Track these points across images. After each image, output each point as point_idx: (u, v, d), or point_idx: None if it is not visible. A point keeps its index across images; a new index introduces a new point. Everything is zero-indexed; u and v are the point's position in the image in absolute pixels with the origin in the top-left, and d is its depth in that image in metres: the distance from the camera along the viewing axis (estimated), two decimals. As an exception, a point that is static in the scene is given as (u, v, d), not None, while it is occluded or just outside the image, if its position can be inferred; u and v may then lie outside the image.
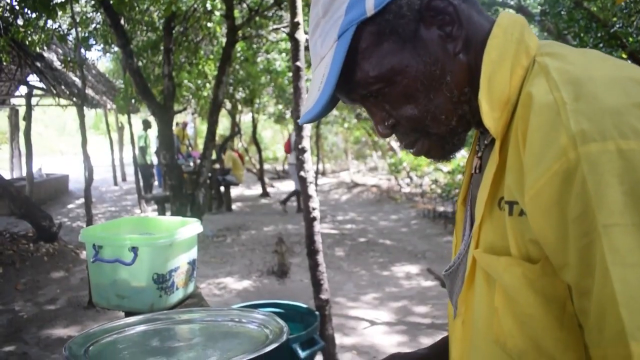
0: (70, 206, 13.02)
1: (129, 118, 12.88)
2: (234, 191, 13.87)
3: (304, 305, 3.55)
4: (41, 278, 6.92)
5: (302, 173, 3.23)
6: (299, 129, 3.23)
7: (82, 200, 11.53)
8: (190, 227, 2.15)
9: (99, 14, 9.07)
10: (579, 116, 0.62)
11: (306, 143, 3.24)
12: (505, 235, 0.74)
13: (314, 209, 3.26)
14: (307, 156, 3.23)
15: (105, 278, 2.00)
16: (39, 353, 4.75)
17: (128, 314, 2.00)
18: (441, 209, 10.94)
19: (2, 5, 6.97)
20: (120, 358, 1.62)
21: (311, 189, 3.24)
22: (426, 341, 4.77)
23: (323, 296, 3.46)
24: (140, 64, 9.17)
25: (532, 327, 0.71)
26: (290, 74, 12.17)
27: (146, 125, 13.49)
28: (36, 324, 5.44)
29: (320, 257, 3.40)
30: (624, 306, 0.56)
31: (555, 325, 0.68)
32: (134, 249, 1.92)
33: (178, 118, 17.99)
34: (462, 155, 12.17)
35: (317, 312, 3.43)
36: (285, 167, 19.81)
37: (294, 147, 11.27)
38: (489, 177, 0.77)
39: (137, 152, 12.80)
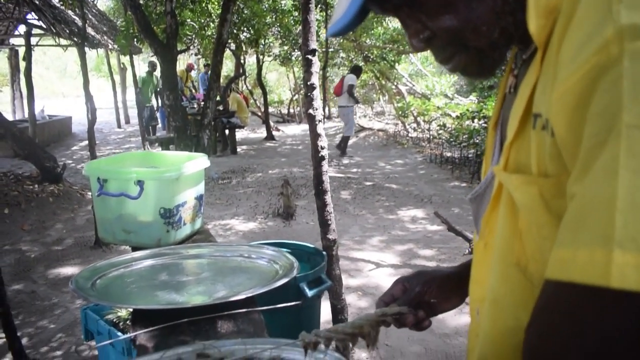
0: (73, 148, 12.98)
1: (131, 59, 12.62)
2: (239, 134, 13.77)
3: (311, 246, 3.52)
4: (47, 219, 6.94)
5: (310, 111, 3.13)
6: (307, 64, 3.11)
7: (85, 142, 11.49)
8: (197, 162, 2.08)
9: (97, -53, 8.72)
10: (632, 10, 0.53)
11: (315, 79, 3.12)
12: (530, 154, 0.67)
13: (322, 147, 3.18)
14: (316, 93, 3.12)
15: (111, 212, 1.95)
16: (47, 291, 4.80)
17: (135, 249, 1.96)
18: (448, 154, 10.85)
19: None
20: (128, 292, 1.59)
21: (320, 128, 3.15)
22: (431, 283, 4.78)
23: (330, 236, 3.42)
24: (141, 1, 8.89)
25: (549, 251, 0.66)
26: (297, 14, 11.80)
27: (152, 66, 13.27)
28: (43, 264, 5.48)
29: (328, 198, 3.34)
30: (622, 213, 0.49)
31: None
32: (140, 183, 1.86)
33: (182, 61, 17.68)
34: (470, 101, 11.99)
35: (324, 252, 3.41)
36: (291, 110, 19.64)
37: (345, 90, 11.17)
38: (527, 90, 0.70)
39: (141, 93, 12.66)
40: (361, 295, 4.65)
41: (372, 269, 5.26)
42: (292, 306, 2.84)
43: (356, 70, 11.84)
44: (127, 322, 3.33)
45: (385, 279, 4.99)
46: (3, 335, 3.48)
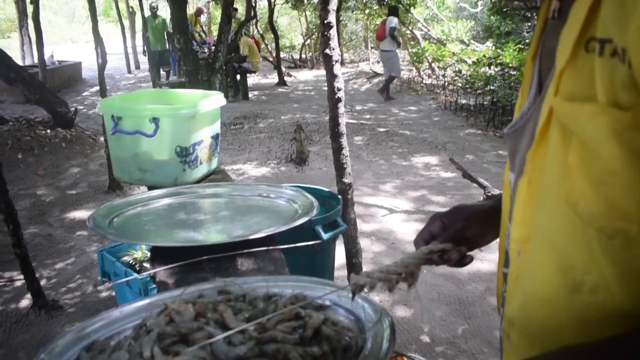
0: (84, 94, 12.92)
1: (140, 3, 12.37)
2: (250, 80, 13.61)
3: (326, 189, 3.50)
4: (60, 163, 6.96)
5: (327, 51, 3.03)
6: (323, 2, 2.99)
7: (96, 88, 11.42)
8: (213, 100, 2.02)
9: None
10: None
11: (332, 18, 3.01)
12: (591, 81, 0.62)
13: (339, 89, 3.10)
14: (333, 32, 3.01)
15: (126, 151, 1.92)
16: (63, 234, 4.85)
17: (151, 189, 1.93)
18: (463, 101, 10.66)
19: None
20: (146, 230, 1.57)
21: (336, 68, 3.06)
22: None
23: (346, 180, 3.39)
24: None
25: (612, 186, 0.62)
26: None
27: (151, 10, 13.02)
28: (59, 207, 5.53)
29: (344, 141, 3.29)
30: None
31: (638, 184, 0.59)
32: (155, 120, 1.81)
33: (191, 5, 17.30)
34: (487, 47, 11.66)
35: (339, 196, 3.39)
36: (303, 56, 19.31)
37: (388, 33, 10.83)
38: (580, 14, 0.64)
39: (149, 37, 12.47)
40: (375, 241, 4.66)
41: (385, 215, 5.26)
42: (311, 245, 2.85)
43: (393, 11, 11.35)
44: (143, 263, 3.36)
45: (398, 225, 4.99)
46: (22, 277, 3.54)
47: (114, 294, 3.58)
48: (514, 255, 0.82)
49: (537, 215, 0.75)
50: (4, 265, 4.17)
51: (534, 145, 0.76)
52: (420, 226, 3.97)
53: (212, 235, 1.51)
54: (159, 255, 1.43)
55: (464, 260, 1.06)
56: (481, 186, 5.14)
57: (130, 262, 3.32)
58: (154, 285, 3.10)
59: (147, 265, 3.37)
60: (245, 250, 1.41)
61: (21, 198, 5.69)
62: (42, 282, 3.72)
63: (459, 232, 1.07)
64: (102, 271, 3.43)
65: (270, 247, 1.48)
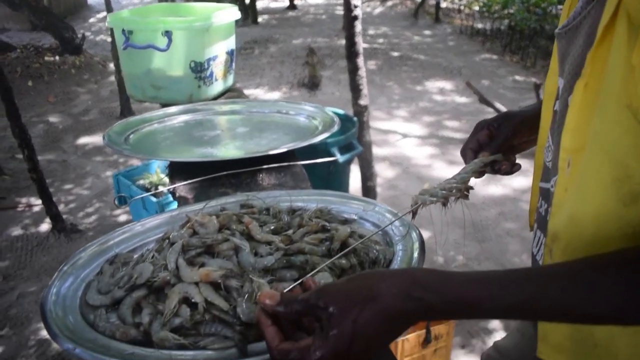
0: (91, 20, 12.61)
1: None
2: (259, 3, 13.18)
3: (342, 111, 3.43)
4: (71, 90, 6.90)
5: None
6: None
7: (103, 13, 11.14)
8: (227, 12, 1.93)
9: None
10: None
11: None
12: None
13: (355, 6, 2.96)
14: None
15: (139, 67, 1.85)
16: (78, 160, 4.86)
17: (165, 106, 1.87)
18: (479, 25, 10.29)
19: None
20: (163, 147, 1.53)
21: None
22: (458, 154, 4.72)
23: (362, 102, 3.31)
24: None
25: None
26: None
27: None
28: (72, 134, 5.51)
29: (360, 61, 3.18)
30: None
31: None
32: (168, 34, 1.73)
33: None
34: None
35: (355, 118, 3.32)
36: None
37: None
38: None
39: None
40: (388, 165, 4.63)
41: (399, 140, 5.20)
42: (326, 166, 2.82)
43: None
44: (158, 187, 3.36)
45: (412, 149, 4.94)
46: (40, 202, 3.56)
47: (130, 217, 3.61)
48: (563, 166, 0.76)
49: (593, 122, 0.69)
50: (22, 191, 4.20)
51: (595, 45, 0.68)
52: (433, 151, 3.93)
53: (230, 151, 1.47)
54: (178, 171, 1.39)
55: (513, 169, 1.03)
56: (497, 111, 5.03)
57: (146, 185, 3.32)
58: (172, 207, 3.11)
59: (162, 188, 3.37)
60: (266, 166, 1.37)
61: (34, 125, 5.66)
62: (60, 207, 3.75)
63: (507, 140, 1.02)
64: (118, 196, 3.44)
65: (290, 163, 1.44)
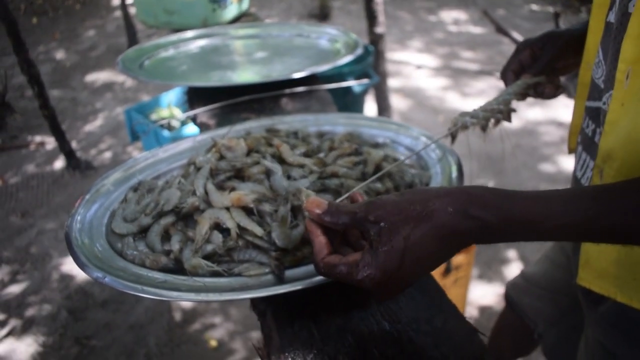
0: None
1: None
2: None
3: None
4: (77, 27, 6.72)
5: None
6: None
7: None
8: None
9: None
10: None
11: None
12: None
13: None
14: None
15: (149, -10, 1.75)
16: (88, 97, 4.78)
17: (178, 32, 1.78)
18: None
19: None
20: (179, 73, 1.45)
21: None
22: (473, 85, 4.60)
23: (378, 30, 3.17)
24: None
25: None
26: None
27: None
28: (80, 71, 5.40)
29: (377, -14, 3.03)
30: None
31: None
32: (178, -48, 1.62)
33: None
34: None
35: (371, 46, 3.20)
36: None
37: None
38: None
39: None
40: (403, 97, 4.51)
41: (412, 71, 5.05)
42: (341, 97, 2.73)
43: None
44: (171, 121, 3.29)
45: (425, 81, 4.81)
46: (52, 139, 3.52)
47: (144, 152, 3.57)
48: (621, 78, 0.69)
49: None
50: (33, 129, 4.16)
51: None
52: (447, 82, 3.80)
53: (251, 75, 1.40)
54: (197, 97, 1.33)
55: (557, 92, 0.96)
56: (514, 41, 4.85)
57: (158, 119, 3.25)
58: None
59: (175, 123, 3.30)
60: (289, 90, 1.30)
61: (41, 63, 5.55)
62: (73, 144, 3.71)
63: (552, 61, 0.96)
64: (130, 130, 3.39)
65: (313, 87, 1.37)
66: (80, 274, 2.54)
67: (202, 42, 1.59)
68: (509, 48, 5.07)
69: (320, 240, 0.66)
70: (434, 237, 0.59)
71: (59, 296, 2.42)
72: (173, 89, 3.60)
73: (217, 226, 0.83)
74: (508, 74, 1.00)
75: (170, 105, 3.37)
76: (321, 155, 0.98)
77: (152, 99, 3.48)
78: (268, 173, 0.89)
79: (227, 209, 0.83)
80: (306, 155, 0.97)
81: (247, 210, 0.83)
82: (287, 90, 1.30)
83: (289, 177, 0.89)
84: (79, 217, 0.86)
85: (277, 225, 0.80)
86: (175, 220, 0.87)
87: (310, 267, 0.78)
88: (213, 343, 2.15)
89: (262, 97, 1.27)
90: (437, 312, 0.77)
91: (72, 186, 3.37)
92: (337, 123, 1.14)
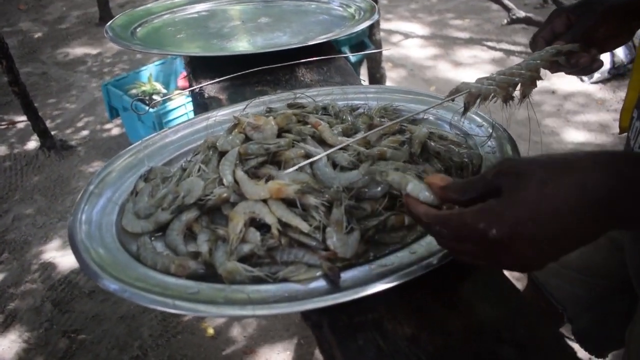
0: None
1: None
2: None
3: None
4: (43, -4, 6.38)
5: None
6: None
7: None
8: None
9: None
10: None
11: None
12: None
13: None
14: None
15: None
16: (60, 72, 4.53)
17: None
18: None
19: None
20: (178, 40, 1.29)
21: None
22: (463, 54, 4.47)
23: (371, -4, 3.01)
24: None
25: None
26: None
27: None
28: (49, 44, 5.12)
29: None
30: None
31: None
32: None
33: None
34: None
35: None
36: None
37: None
38: None
39: None
40: (392, 67, 4.37)
41: (401, 40, 4.90)
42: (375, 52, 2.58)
43: None
44: (153, 95, 3.10)
45: (415, 51, 4.67)
46: (24, 118, 3.30)
47: (124, 130, 3.37)
48: None
49: None
50: (2, 107, 3.92)
51: None
52: (437, 51, 3.64)
53: (258, 44, 1.25)
54: (202, 68, 1.17)
55: (593, 65, 0.84)
56: (505, 8, 4.70)
57: (139, 94, 3.06)
58: (178, 115, 2.86)
59: (156, 97, 3.12)
60: (305, 60, 1.16)
61: (7, 36, 5.18)
62: (47, 123, 3.49)
63: (589, 30, 0.83)
64: (109, 107, 3.19)
65: (327, 57, 1.22)
66: (63, 262, 2.37)
67: (197, 8, 1.43)
68: (499, 15, 4.94)
69: (422, 207, 0.59)
70: (575, 191, 0.48)
71: (42, 287, 2.25)
72: (153, 63, 3.41)
73: (253, 222, 0.69)
74: (538, 41, 0.88)
75: (151, 78, 3.18)
76: (359, 135, 0.84)
77: (132, 72, 3.28)
78: (308, 158, 0.75)
79: (264, 201, 0.70)
80: (345, 134, 0.83)
81: (287, 202, 0.70)
82: (304, 60, 1.15)
83: (334, 165, 0.75)
84: (83, 216, 0.71)
85: (333, 230, 0.66)
86: (198, 215, 0.73)
87: (366, 269, 0.66)
88: (210, 331, 2.03)
89: (276, 68, 1.13)
90: (517, 317, 0.66)
91: (48, 167, 3.16)
92: (366, 97, 1.01)
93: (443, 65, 4.39)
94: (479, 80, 0.75)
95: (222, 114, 0.96)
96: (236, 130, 0.81)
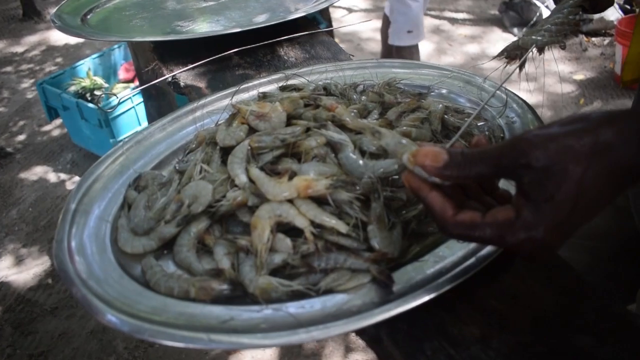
0: None
1: None
2: None
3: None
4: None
5: None
6: None
7: None
8: None
9: None
10: None
11: None
12: None
13: None
14: None
15: None
16: (-17, 74, 4.18)
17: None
18: None
19: None
20: (138, 25, 1.16)
21: None
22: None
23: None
24: None
25: None
26: None
27: None
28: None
29: None
30: None
31: None
32: None
33: None
34: None
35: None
36: None
37: None
38: None
39: None
40: (339, 42, 4.27)
41: (344, 15, 4.82)
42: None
43: None
44: (95, 91, 2.90)
45: (359, 25, 4.59)
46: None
47: (66, 130, 3.14)
48: None
49: None
50: None
51: None
52: (380, 24, 3.49)
53: (227, 23, 1.13)
54: (171, 55, 1.04)
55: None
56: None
57: (79, 91, 2.85)
58: (125, 110, 2.67)
59: (98, 92, 2.91)
60: (286, 37, 1.05)
61: None
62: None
63: None
64: (46, 107, 2.96)
65: (314, 31, 1.12)
66: (18, 280, 2.18)
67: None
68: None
69: (434, 196, 0.49)
70: (610, 174, 0.45)
71: (-2, 309, 2.07)
72: (90, 57, 3.18)
73: (278, 227, 0.59)
74: None
75: (90, 73, 2.97)
76: (375, 115, 0.75)
77: (68, 68, 3.04)
78: (333, 147, 0.65)
79: (289, 201, 0.60)
80: (360, 115, 0.74)
81: (317, 201, 0.60)
82: (285, 37, 1.04)
83: (362, 152, 0.65)
84: (72, 244, 0.59)
85: (375, 228, 0.57)
86: (209, 225, 0.62)
87: (417, 265, 0.58)
88: (190, 336, 1.90)
89: (254, 48, 1.01)
90: (584, 301, 0.59)
91: (-15, 179, 2.91)
92: (364, 73, 0.91)
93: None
94: (528, 32, 0.70)
95: (203, 104, 0.84)
96: (237, 120, 0.70)
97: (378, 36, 4.38)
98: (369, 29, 4.45)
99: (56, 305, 2.04)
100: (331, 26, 3.11)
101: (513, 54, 0.78)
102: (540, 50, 0.76)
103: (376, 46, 4.17)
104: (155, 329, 0.50)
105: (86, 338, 1.91)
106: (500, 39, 3.98)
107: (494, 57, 0.76)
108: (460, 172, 0.47)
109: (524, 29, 3.72)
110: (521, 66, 0.75)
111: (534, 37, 0.76)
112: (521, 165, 0.45)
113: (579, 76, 3.35)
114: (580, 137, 0.45)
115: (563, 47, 0.74)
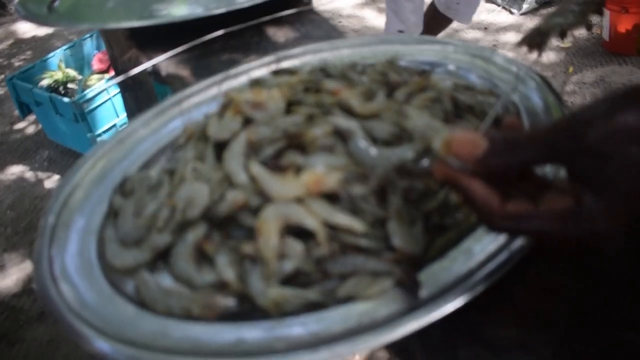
0: None
1: None
2: None
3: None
4: None
5: None
6: None
7: None
8: None
9: None
10: None
11: None
12: None
13: None
14: None
15: None
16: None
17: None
18: None
19: None
20: (107, 11, 1.07)
21: None
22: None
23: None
24: None
25: None
26: None
27: None
28: None
29: None
30: None
31: None
32: None
33: None
34: None
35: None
36: None
37: None
38: None
39: None
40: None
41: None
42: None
43: None
44: (68, 84, 2.78)
45: (339, 2, 4.49)
46: None
47: (40, 127, 3.03)
48: None
49: None
50: None
51: None
52: (363, 1, 3.43)
53: (209, 3, 1.05)
54: (149, 42, 0.96)
55: None
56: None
57: (52, 85, 2.74)
58: (101, 103, 2.57)
59: (72, 86, 2.80)
60: (269, 17, 0.97)
61: None
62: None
63: None
64: (18, 104, 2.84)
65: (300, 9, 1.04)
66: (0, 287, 2.09)
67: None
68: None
69: (477, 186, 0.43)
70: None
71: (-20, 320, 1.98)
72: (60, 48, 3.05)
73: (288, 229, 0.53)
74: None
75: (62, 65, 2.84)
76: (381, 97, 0.68)
77: (38, 62, 2.91)
78: (341, 136, 0.58)
79: (297, 199, 0.53)
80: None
81: (328, 198, 0.54)
82: (268, 17, 0.97)
83: (374, 140, 0.58)
84: (56, 267, 0.52)
85: (395, 224, 0.51)
86: (208, 231, 0.55)
87: (440, 265, 0.51)
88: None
89: (239, 31, 0.94)
90: (621, 293, 0.54)
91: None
92: (362, 51, 0.84)
93: (369, 13, 4.25)
94: (552, 15, 0.64)
95: (189, 94, 0.77)
96: (230, 111, 0.63)
97: (359, 13, 4.30)
98: (351, 5, 4.37)
99: (42, 311, 1.96)
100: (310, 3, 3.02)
101: (534, 42, 0.71)
102: (563, 34, 0.70)
103: (357, 23, 4.09)
104: (158, 358, 0.43)
105: (76, 344, 1.84)
106: (483, 10, 3.92)
107: (515, 46, 0.70)
108: (504, 161, 0.41)
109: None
110: (541, 52, 0.70)
111: (557, 20, 0.69)
112: (578, 149, 0.39)
113: (566, 44, 3.30)
114: (628, 112, 0.39)
115: (589, 29, 0.68)
